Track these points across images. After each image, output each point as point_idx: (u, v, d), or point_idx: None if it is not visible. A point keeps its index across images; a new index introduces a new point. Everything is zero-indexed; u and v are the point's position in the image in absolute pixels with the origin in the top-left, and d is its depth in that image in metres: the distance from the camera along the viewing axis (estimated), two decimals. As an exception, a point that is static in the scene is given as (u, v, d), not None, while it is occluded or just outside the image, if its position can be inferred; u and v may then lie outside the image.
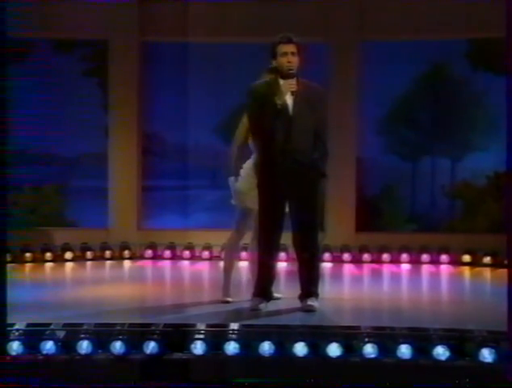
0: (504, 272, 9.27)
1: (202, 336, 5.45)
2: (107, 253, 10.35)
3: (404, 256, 10.29)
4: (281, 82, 6.43)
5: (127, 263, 10.15)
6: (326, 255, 10.22)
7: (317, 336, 5.47)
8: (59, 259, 10.07)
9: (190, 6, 10.55)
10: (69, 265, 9.95)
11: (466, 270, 9.90)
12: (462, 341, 5.41)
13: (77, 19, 10.50)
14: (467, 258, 10.15)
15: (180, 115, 11.03)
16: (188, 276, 9.63)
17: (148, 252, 10.46)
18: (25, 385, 5.14)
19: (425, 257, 10.26)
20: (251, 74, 6.85)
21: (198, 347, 5.40)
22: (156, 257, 10.45)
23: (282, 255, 9.41)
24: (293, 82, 6.40)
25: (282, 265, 9.25)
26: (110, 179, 10.86)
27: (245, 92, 6.57)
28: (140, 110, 10.94)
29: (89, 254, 10.24)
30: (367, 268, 9.97)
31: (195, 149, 11.08)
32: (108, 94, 10.88)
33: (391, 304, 7.40)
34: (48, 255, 10.06)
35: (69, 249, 10.20)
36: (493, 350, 5.25)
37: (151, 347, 5.38)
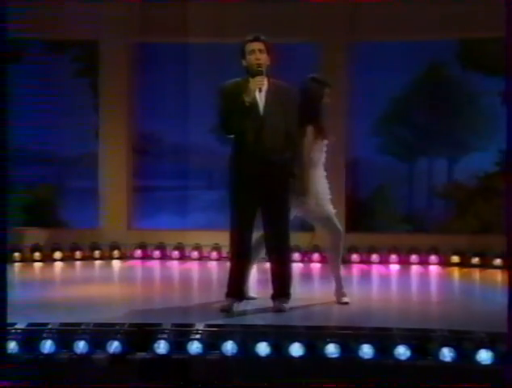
0: (491, 272, 9.46)
1: (165, 336, 5.48)
2: (97, 253, 10.35)
3: (393, 257, 10.25)
4: (251, 80, 6.46)
5: (115, 263, 10.16)
6: (315, 256, 10.22)
7: (280, 336, 5.49)
8: (48, 259, 10.07)
9: (182, 6, 10.55)
10: (57, 265, 9.95)
11: (454, 271, 9.86)
12: (424, 341, 5.42)
13: (67, 20, 10.47)
14: (455, 258, 10.12)
15: (175, 115, 11.06)
16: (173, 276, 9.61)
17: (138, 252, 10.47)
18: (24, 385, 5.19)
19: (414, 258, 10.22)
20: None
21: (161, 347, 5.43)
22: (145, 257, 10.45)
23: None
24: (261, 78, 6.43)
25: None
26: (100, 179, 10.88)
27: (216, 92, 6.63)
28: (130, 110, 10.96)
29: (78, 254, 10.26)
30: (355, 269, 9.95)
31: (192, 149, 11.10)
32: (99, 95, 10.90)
33: (368, 304, 7.39)
34: (37, 254, 10.06)
35: (59, 249, 10.22)
36: (453, 349, 5.26)
37: (114, 346, 5.41)
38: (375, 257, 10.29)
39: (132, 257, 10.44)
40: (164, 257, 10.46)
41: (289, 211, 6.61)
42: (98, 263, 10.18)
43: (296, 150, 6.61)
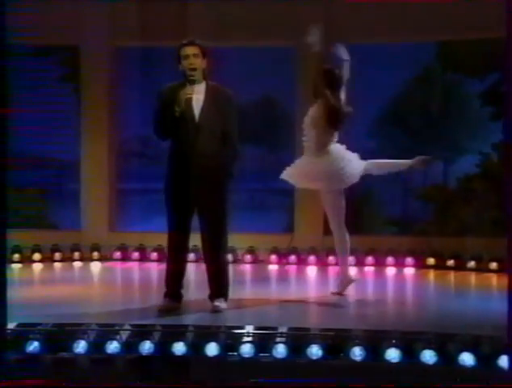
0: (464, 274, 9.45)
1: (85, 336, 5.57)
2: (76, 254, 10.47)
3: (370, 259, 10.25)
4: (188, 85, 6.52)
5: (93, 265, 10.24)
6: (292, 258, 10.29)
7: (197, 336, 5.56)
8: (27, 261, 10.19)
9: (163, 10, 10.65)
10: (35, 267, 10.04)
11: (428, 273, 9.84)
12: (337, 340, 5.46)
13: (48, 24, 10.56)
14: (431, 261, 10.09)
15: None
16: (145, 277, 9.70)
17: (117, 254, 10.56)
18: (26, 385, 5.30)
19: (390, 260, 10.20)
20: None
21: (80, 347, 5.51)
22: (125, 258, 10.54)
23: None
24: (190, 90, 6.48)
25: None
26: (83, 181, 11.01)
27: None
28: (113, 115, 11.07)
29: (57, 255, 10.37)
30: (331, 271, 9.93)
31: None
32: (81, 99, 11.03)
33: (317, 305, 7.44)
34: (16, 256, 10.16)
35: (38, 250, 10.34)
36: (363, 348, 5.30)
37: (33, 347, 5.50)
38: (351, 259, 10.25)
39: (111, 259, 10.52)
40: (143, 259, 10.55)
41: (226, 211, 6.62)
42: (76, 264, 10.27)
43: (235, 152, 6.65)
